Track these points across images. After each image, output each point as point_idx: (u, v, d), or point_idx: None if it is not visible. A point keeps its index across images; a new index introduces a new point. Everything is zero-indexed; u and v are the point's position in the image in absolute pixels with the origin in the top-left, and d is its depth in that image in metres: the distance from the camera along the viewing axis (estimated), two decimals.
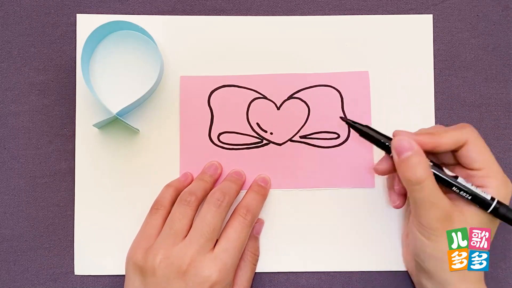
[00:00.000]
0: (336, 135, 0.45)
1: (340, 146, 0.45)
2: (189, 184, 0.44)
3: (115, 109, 0.44)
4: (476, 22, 0.47)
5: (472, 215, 0.38)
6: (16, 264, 0.45)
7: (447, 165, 0.41)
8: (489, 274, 0.45)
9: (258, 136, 0.46)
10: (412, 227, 0.39)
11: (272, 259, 0.45)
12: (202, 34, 0.46)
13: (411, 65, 0.46)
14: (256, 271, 0.45)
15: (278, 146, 0.45)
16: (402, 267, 0.45)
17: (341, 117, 0.40)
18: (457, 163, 0.40)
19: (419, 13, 0.46)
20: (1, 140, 0.45)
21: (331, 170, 0.45)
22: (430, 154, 0.39)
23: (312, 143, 0.45)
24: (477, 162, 0.38)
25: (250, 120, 0.46)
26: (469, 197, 0.37)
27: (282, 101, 0.46)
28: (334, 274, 0.45)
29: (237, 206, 0.42)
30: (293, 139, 0.46)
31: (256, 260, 0.44)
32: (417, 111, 0.46)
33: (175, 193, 0.43)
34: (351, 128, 0.41)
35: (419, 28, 0.46)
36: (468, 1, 0.47)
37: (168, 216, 0.41)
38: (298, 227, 0.45)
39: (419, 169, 0.36)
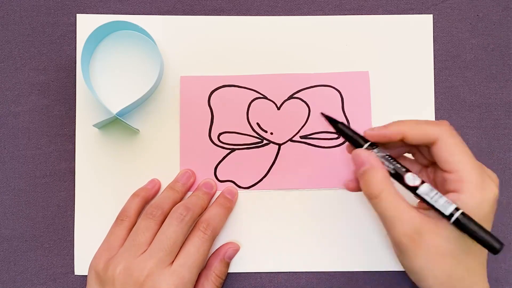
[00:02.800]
0: (336, 135, 0.45)
1: (340, 146, 0.45)
2: (156, 192, 0.44)
3: (115, 109, 0.44)
4: (476, 22, 0.47)
5: (445, 228, 0.34)
6: (16, 264, 0.45)
7: (428, 165, 0.39)
8: (489, 274, 0.45)
9: (258, 136, 0.46)
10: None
11: (272, 259, 0.45)
12: (202, 34, 0.46)
13: (411, 65, 0.46)
14: (256, 271, 0.45)
15: (278, 146, 0.45)
16: (402, 267, 0.45)
17: (321, 113, 0.39)
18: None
19: (419, 13, 0.46)
20: (1, 140, 0.45)
21: (331, 170, 0.45)
22: (407, 148, 0.38)
23: (312, 143, 0.45)
24: (447, 163, 0.35)
25: (250, 120, 0.46)
26: (433, 203, 0.34)
27: (282, 101, 0.46)
28: (334, 274, 0.45)
29: (198, 220, 0.42)
30: (293, 139, 0.46)
31: (220, 284, 0.43)
32: (417, 111, 0.46)
33: (141, 203, 0.43)
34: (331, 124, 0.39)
35: (419, 28, 0.46)
36: (468, 1, 0.47)
37: (132, 226, 0.42)
38: (299, 227, 0.45)
39: (374, 182, 0.35)
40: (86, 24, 0.46)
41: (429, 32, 0.46)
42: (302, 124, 0.46)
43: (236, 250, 0.44)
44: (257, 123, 0.46)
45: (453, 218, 0.33)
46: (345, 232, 0.45)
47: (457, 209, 0.33)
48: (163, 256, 0.39)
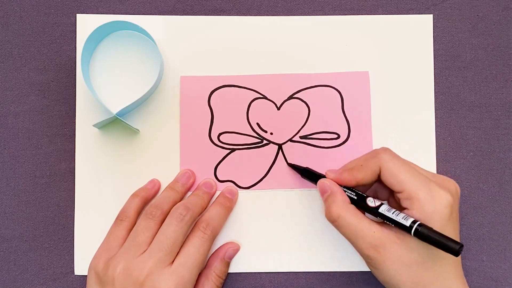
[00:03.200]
0: (336, 135, 0.45)
1: (340, 146, 0.45)
2: (156, 192, 0.45)
3: (115, 109, 0.44)
4: (476, 22, 0.47)
5: (406, 239, 0.37)
6: (16, 264, 0.45)
7: (387, 192, 0.41)
8: (489, 275, 0.45)
9: (258, 136, 0.46)
10: None
11: (272, 259, 0.45)
12: (202, 34, 0.46)
13: (411, 65, 0.46)
14: (256, 271, 0.45)
15: (278, 146, 0.45)
16: None
17: (288, 164, 0.45)
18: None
19: (419, 13, 0.46)
20: (1, 140, 0.45)
21: None
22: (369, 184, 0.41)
23: (312, 143, 0.45)
24: (394, 185, 0.37)
25: (250, 120, 0.46)
26: (393, 225, 0.37)
27: (282, 101, 0.46)
28: (334, 274, 0.45)
29: (198, 219, 0.42)
30: (293, 139, 0.46)
31: (221, 283, 0.43)
32: (417, 111, 0.46)
33: (141, 203, 0.43)
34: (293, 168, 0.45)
35: (419, 28, 0.46)
36: (468, 1, 0.47)
37: (132, 226, 0.42)
38: (298, 227, 0.45)
39: (333, 208, 0.38)
40: (86, 24, 0.46)
41: (429, 32, 0.46)
42: (302, 124, 0.46)
43: (236, 250, 0.44)
44: (257, 123, 0.46)
45: (413, 230, 0.35)
46: None
47: (414, 221, 0.35)
48: (162, 256, 0.39)
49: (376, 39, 0.46)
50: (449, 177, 0.46)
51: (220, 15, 0.46)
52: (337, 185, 0.40)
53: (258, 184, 0.45)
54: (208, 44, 0.46)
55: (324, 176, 0.41)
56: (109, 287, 0.38)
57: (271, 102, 0.46)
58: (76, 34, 0.46)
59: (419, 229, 0.35)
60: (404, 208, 0.37)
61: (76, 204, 0.45)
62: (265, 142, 0.45)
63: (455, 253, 0.33)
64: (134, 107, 0.45)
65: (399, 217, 0.36)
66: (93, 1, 0.46)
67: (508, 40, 0.46)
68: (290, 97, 0.46)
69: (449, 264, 0.37)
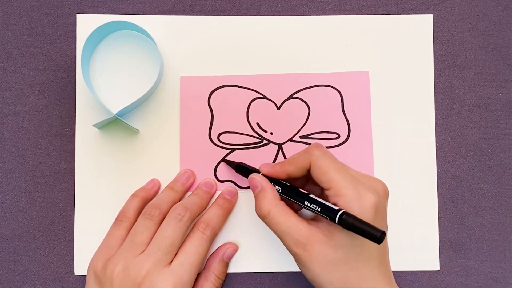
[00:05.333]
0: (336, 135, 0.45)
1: (340, 146, 0.45)
2: (156, 192, 0.45)
3: (115, 109, 0.44)
4: (476, 22, 0.47)
5: (332, 238, 0.36)
6: (16, 264, 0.45)
7: (318, 190, 0.41)
8: (489, 274, 0.45)
9: (258, 136, 0.46)
10: None
11: (272, 259, 0.45)
12: (202, 34, 0.46)
13: (411, 65, 0.46)
14: (256, 271, 0.45)
15: (278, 146, 0.45)
16: (402, 267, 0.45)
17: (225, 160, 0.45)
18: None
19: (419, 13, 0.46)
20: (1, 140, 0.45)
21: None
22: (304, 179, 0.41)
23: (312, 143, 0.45)
24: (322, 182, 0.37)
25: (250, 120, 0.46)
26: (318, 209, 0.36)
27: (282, 101, 0.46)
28: None
29: (198, 220, 0.42)
30: (293, 139, 0.46)
31: (220, 284, 0.43)
32: (417, 111, 0.46)
33: (141, 203, 0.43)
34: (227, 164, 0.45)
35: (419, 28, 0.46)
36: (468, 1, 0.47)
37: (131, 227, 0.42)
38: None
39: (263, 204, 0.38)
40: (86, 24, 0.46)
41: (429, 32, 0.46)
42: (302, 124, 0.46)
43: (235, 250, 0.44)
44: (257, 123, 0.46)
45: (337, 217, 0.35)
46: None
47: (340, 210, 0.35)
48: (161, 256, 0.39)
49: (376, 39, 0.46)
50: (449, 177, 0.46)
51: (220, 15, 0.46)
52: (267, 181, 0.40)
53: None
54: (208, 44, 0.46)
55: (257, 171, 0.41)
56: (107, 287, 0.38)
57: (271, 102, 0.46)
58: (76, 34, 0.46)
59: (344, 217, 0.34)
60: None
61: (76, 204, 0.45)
62: (265, 142, 0.45)
63: (377, 240, 0.33)
64: (134, 107, 0.45)
65: (328, 204, 0.36)
66: (93, 1, 0.46)
67: (508, 40, 0.46)
68: (290, 97, 0.46)
69: (375, 264, 0.37)
